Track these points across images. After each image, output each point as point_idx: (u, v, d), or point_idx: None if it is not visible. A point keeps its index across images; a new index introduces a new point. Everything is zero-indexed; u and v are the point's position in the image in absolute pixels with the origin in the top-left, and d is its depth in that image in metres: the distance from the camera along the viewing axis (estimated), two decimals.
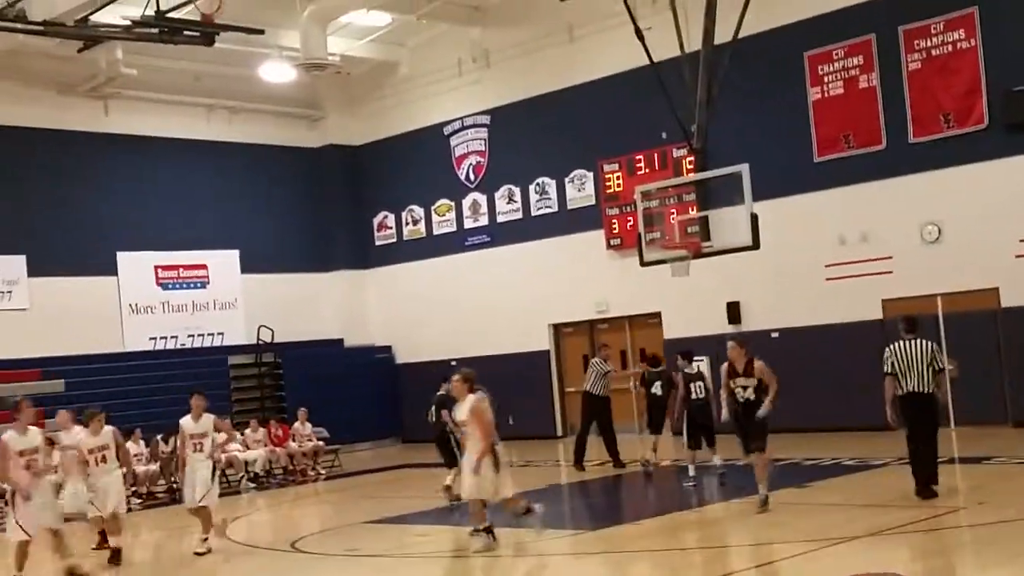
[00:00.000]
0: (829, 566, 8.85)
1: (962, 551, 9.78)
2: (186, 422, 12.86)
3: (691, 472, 14.64)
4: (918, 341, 11.63)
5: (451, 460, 14.38)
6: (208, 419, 12.89)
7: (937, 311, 18.17)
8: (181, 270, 24.27)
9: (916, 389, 11.49)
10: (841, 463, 15.28)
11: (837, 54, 19.59)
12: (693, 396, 14.83)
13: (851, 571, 8.56)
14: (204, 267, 24.55)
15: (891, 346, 11.84)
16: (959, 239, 18.23)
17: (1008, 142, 17.66)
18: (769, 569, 9.59)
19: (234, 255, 24.96)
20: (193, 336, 24.19)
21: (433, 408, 15.10)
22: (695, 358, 15.84)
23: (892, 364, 11.66)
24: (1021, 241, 17.52)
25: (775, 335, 20.24)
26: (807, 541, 9.94)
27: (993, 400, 17.46)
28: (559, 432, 23.34)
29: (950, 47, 18.38)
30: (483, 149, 24.99)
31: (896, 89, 18.90)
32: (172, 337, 23.87)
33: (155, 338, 23.63)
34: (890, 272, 18.86)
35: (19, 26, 17.69)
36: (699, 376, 15.10)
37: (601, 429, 17.61)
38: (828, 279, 19.53)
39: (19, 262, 21.86)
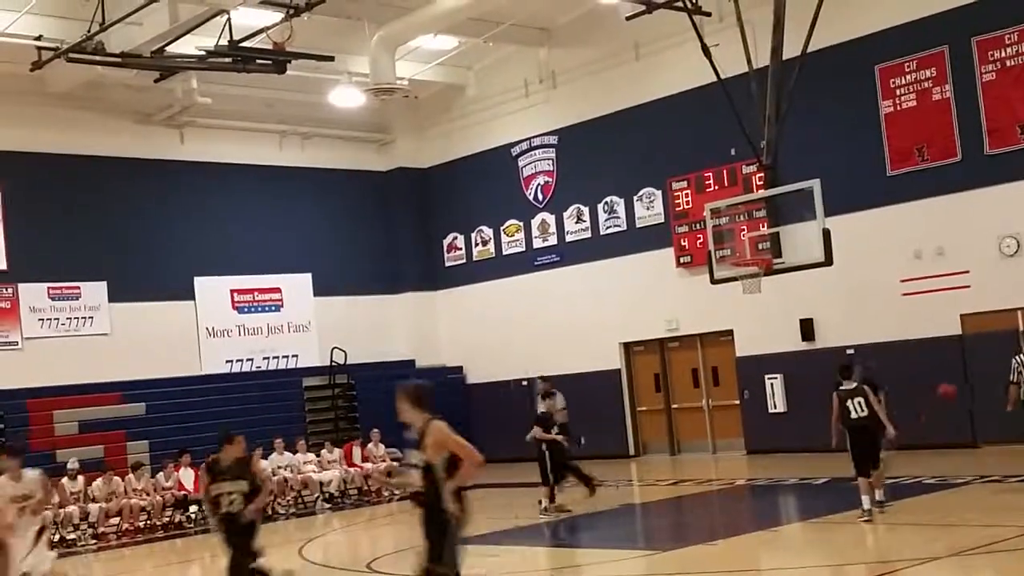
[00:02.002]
0: None
1: None
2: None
3: (865, 505, 12.34)
4: None
5: (544, 477, 14.35)
6: (32, 477, 10.37)
7: (1018, 325, 17.76)
8: (256, 294, 24.65)
9: None
10: (921, 482, 14.98)
11: (909, 66, 19.31)
12: (853, 415, 12.49)
13: None
14: (278, 290, 24.91)
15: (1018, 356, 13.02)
16: None
17: None
18: None
19: (307, 278, 25.30)
20: (268, 359, 24.54)
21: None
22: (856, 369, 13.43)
23: (1019, 373, 12.64)
24: None
25: (850, 351, 19.93)
26: (884, 562, 9.76)
27: None
28: (631, 451, 23.22)
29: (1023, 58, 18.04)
30: (551, 169, 25.06)
31: (970, 100, 18.57)
32: (248, 360, 24.25)
33: (231, 361, 24.02)
34: (968, 287, 18.49)
35: (98, 58, 18.17)
36: (859, 392, 12.59)
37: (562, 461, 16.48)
38: (904, 294, 19.20)
39: (100, 288, 22.38)
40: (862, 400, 12.32)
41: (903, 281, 19.19)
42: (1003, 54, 18.25)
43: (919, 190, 19.02)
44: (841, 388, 12.52)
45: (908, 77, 19.33)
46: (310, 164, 25.82)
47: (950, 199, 18.69)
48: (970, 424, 18.16)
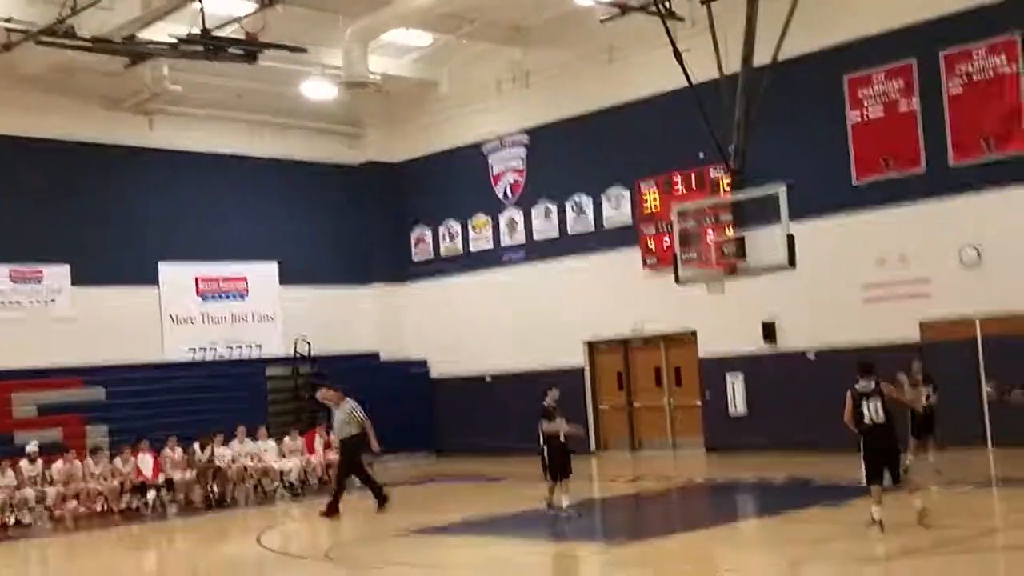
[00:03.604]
0: None
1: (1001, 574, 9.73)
2: None
3: (875, 515, 11.35)
4: None
5: (548, 473, 14.26)
6: None
7: (976, 334, 18.08)
8: (221, 282, 24.57)
9: None
10: None
11: (877, 78, 19.60)
12: (866, 419, 11.51)
13: None
14: (244, 279, 24.84)
15: None
16: (999, 262, 18.14)
17: None
18: None
19: (273, 268, 25.25)
20: (232, 347, 24.47)
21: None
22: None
23: None
24: None
25: (811, 356, 20.21)
26: (840, 560, 9.93)
27: None
28: (593, 447, 23.37)
29: (991, 72, 18.35)
30: (521, 167, 25.17)
31: (936, 113, 18.87)
32: (211, 348, 24.16)
33: (194, 348, 23.92)
34: (928, 295, 18.80)
35: (68, 42, 18.00)
36: (876, 393, 11.62)
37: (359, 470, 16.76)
38: (866, 300, 19.49)
39: (63, 272, 22.23)
40: (879, 404, 11.33)
41: (865, 287, 19.49)
42: (970, 68, 18.55)
43: (883, 199, 19.31)
44: (856, 387, 11.55)
45: (876, 88, 19.61)
46: (280, 155, 25.78)
47: (913, 208, 18.99)
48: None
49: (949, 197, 18.60)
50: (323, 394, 17.28)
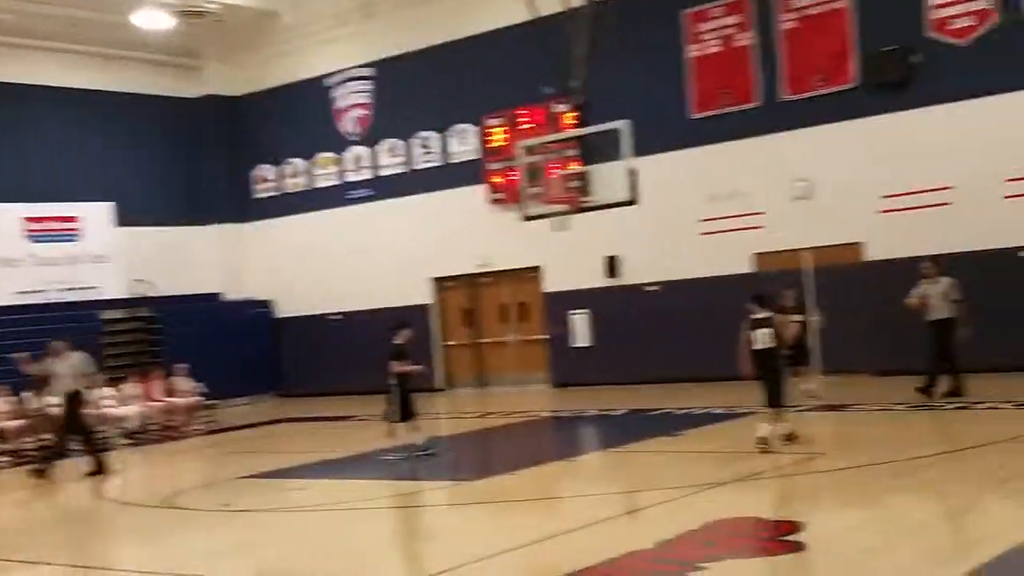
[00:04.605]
0: (694, 512, 9.14)
1: (821, 495, 10.20)
2: None
3: (759, 432, 11.87)
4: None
5: (398, 414, 13.90)
6: None
7: (806, 264, 18.73)
8: (51, 222, 23.50)
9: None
10: (712, 412, 15.71)
11: (715, 12, 19.91)
12: (758, 345, 11.99)
13: (714, 516, 8.86)
14: (75, 220, 23.79)
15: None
16: (827, 195, 18.83)
17: (876, 101, 18.26)
18: (634, 516, 9.86)
19: (108, 207, 24.25)
20: (64, 290, 23.48)
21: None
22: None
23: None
24: (884, 197, 18.18)
25: (652, 288, 20.67)
26: (674, 488, 10.24)
27: (857, 350, 18.13)
28: (440, 385, 23.46)
29: (823, 7, 18.85)
30: (366, 102, 24.74)
31: (771, 48, 19.33)
32: (41, 291, 23.13)
33: (24, 292, 22.88)
34: (761, 227, 19.40)
35: None
36: (767, 322, 12.10)
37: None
38: (703, 233, 19.99)
39: None
40: (768, 331, 11.94)
41: (702, 221, 19.97)
42: (804, 2, 19.04)
43: (720, 134, 19.75)
44: (753, 317, 12.11)
45: (714, 23, 19.94)
46: (113, 88, 24.73)
47: (748, 143, 19.49)
48: (737, 360, 19.11)
49: (782, 132, 19.14)
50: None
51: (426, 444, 13.97)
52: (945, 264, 15.46)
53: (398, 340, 14.15)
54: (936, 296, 14.89)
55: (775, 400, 11.98)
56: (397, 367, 13.98)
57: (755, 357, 12.00)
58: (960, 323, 14.73)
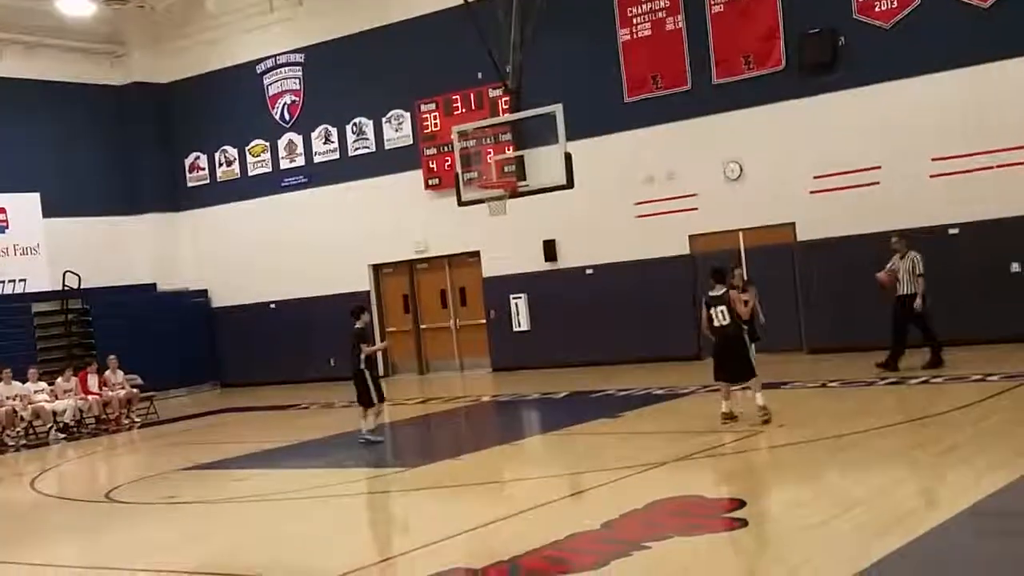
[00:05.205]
0: (637, 492, 9.28)
1: (762, 472, 10.44)
2: None
3: (724, 410, 12.12)
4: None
5: (367, 399, 13.86)
6: None
7: (740, 245, 19.06)
8: None
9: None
10: (652, 392, 15.93)
11: None
12: (715, 323, 12.16)
13: (657, 496, 9.02)
14: (2, 211, 23.30)
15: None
16: (758, 177, 19.12)
17: (803, 83, 18.56)
18: (578, 498, 10.00)
19: (35, 198, 23.73)
20: None
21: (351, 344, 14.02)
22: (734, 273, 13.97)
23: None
24: (815, 178, 18.51)
25: (590, 271, 20.85)
26: (616, 469, 10.39)
27: (789, 329, 18.48)
28: (381, 372, 23.31)
29: None
30: (298, 88, 24.53)
31: (700, 31, 19.53)
32: None
33: None
34: (696, 209, 19.64)
35: None
36: (723, 299, 12.21)
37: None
38: (638, 216, 20.19)
39: None
40: (725, 308, 12.07)
41: (637, 204, 20.16)
42: None
43: (652, 117, 19.94)
44: (709, 295, 12.25)
45: (644, 7, 20.09)
46: (36, 76, 24.18)
47: (680, 126, 19.69)
48: (697, 339, 19.42)
49: (713, 114, 19.37)
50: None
51: (371, 431, 13.99)
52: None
53: (359, 324, 14.06)
54: (904, 271, 15.21)
55: (748, 373, 12.14)
56: (367, 350, 13.91)
57: (714, 334, 12.16)
58: (920, 296, 15.03)
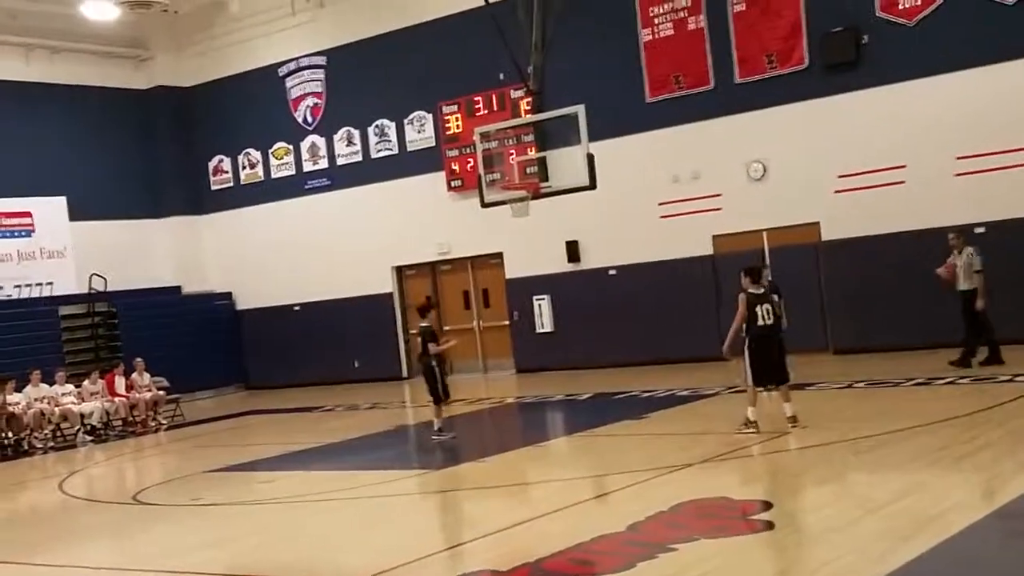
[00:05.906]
0: (662, 493, 9.26)
1: (787, 473, 10.39)
2: None
3: (750, 417, 11.72)
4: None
5: (437, 396, 13.99)
6: None
7: (764, 245, 18.99)
8: (3, 218, 23.20)
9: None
10: (676, 394, 15.89)
11: None
12: (760, 322, 11.57)
13: (683, 497, 9.00)
14: (29, 215, 23.52)
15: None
16: (782, 176, 19.05)
17: (826, 82, 18.48)
18: (603, 500, 9.99)
19: (61, 202, 23.96)
20: (20, 287, 23.22)
21: (420, 341, 14.15)
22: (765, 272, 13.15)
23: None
24: (840, 177, 18.43)
25: (613, 272, 20.83)
26: (641, 470, 10.37)
27: (815, 329, 18.40)
28: (404, 374, 23.49)
29: None
30: (320, 91, 24.62)
31: (723, 31, 19.47)
32: None
33: None
34: (719, 209, 19.59)
35: None
36: (767, 297, 11.78)
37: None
38: (662, 216, 20.15)
39: None
40: (770, 307, 11.52)
41: (661, 204, 20.13)
42: None
43: (675, 117, 19.89)
44: (750, 292, 11.61)
45: (666, 6, 20.05)
46: (61, 80, 24.40)
47: (703, 125, 19.65)
48: (718, 339, 19.37)
49: (736, 114, 19.31)
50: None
51: (442, 427, 13.98)
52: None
53: (425, 323, 14.09)
54: (961, 267, 15.14)
55: (783, 376, 11.72)
56: (434, 348, 13.93)
57: (758, 334, 11.53)
58: (979, 294, 14.93)
